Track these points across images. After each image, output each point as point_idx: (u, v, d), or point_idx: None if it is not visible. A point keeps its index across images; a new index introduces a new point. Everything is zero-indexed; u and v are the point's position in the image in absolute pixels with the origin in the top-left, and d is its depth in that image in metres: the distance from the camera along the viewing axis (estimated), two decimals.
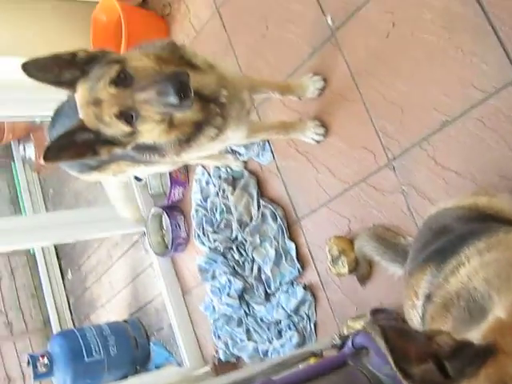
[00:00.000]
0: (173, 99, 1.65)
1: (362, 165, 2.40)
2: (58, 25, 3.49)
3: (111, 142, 1.80)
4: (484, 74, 1.96)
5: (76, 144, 1.76)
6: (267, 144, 2.84)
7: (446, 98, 2.07)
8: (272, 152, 2.83)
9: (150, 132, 1.82)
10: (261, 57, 2.83)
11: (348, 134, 2.45)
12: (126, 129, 1.76)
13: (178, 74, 1.71)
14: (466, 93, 2.01)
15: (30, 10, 3.36)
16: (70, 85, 1.75)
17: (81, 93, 1.75)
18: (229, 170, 3.09)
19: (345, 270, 2.44)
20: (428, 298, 1.27)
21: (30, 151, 5.45)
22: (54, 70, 1.72)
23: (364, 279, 2.42)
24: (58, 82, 1.74)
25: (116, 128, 1.76)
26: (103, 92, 1.70)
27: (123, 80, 1.71)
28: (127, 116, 1.73)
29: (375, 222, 2.37)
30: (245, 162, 3.02)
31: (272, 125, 2.59)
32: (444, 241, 1.38)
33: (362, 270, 2.41)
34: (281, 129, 2.52)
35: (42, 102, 3.40)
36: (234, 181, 3.05)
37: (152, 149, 1.97)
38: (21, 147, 5.62)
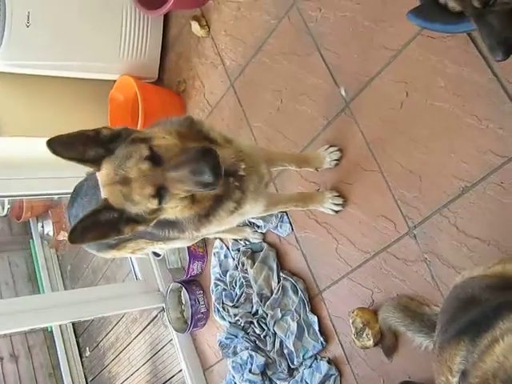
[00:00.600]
0: (208, 178, 1.66)
1: (382, 234, 2.37)
2: (76, 104, 3.57)
3: (134, 220, 1.79)
4: (501, 139, 1.96)
5: (100, 224, 1.74)
6: (285, 216, 2.83)
7: (464, 165, 2.06)
8: (291, 223, 2.82)
9: (174, 208, 1.82)
10: (276, 130, 2.86)
11: (367, 204, 2.44)
12: (154, 206, 1.75)
13: (207, 152, 1.71)
14: (484, 158, 2.00)
15: (49, 92, 3.44)
16: (94, 162, 1.75)
17: (106, 172, 1.75)
18: (247, 242, 3.07)
19: (370, 342, 2.38)
20: (463, 374, 1.22)
21: (48, 228, 5.50)
22: (78, 147, 1.72)
23: (390, 351, 2.35)
24: (82, 160, 1.73)
25: (143, 206, 1.75)
26: (133, 171, 1.69)
27: (152, 159, 1.71)
28: (159, 194, 1.73)
29: (399, 291, 2.33)
30: (263, 235, 3.01)
31: (290, 197, 2.59)
32: (477, 313, 1.34)
33: (388, 342, 2.34)
34: (299, 201, 2.51)
35: (61, 179, 3.46)
36: (253, 254, 3.03)
37: (172, 225, 1.96)
38: (39, 224, 5.68)
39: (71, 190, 2.54)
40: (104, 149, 1.75)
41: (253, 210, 2.16)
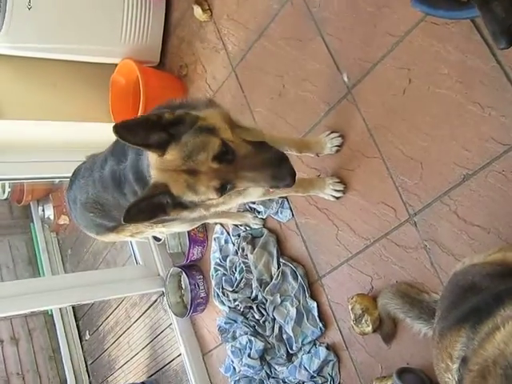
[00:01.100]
0: (288, 182, 1.77)
1: (382, 221, 2.37)
2: (77, 88, 3.56)
3: (183, 205, 1.82)
4: (503, 126, 1.95)
5: (153, 206, 1.77)
6: (286, 202, 2.83)
7: (465, 152, 2.06)
8: (291, 209, 2.82)
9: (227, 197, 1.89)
10: (278, 115, 2.85)
11: (367, 190, 2.43)
12: (214, 197, 1.79)
13: (283, 156, 1.81)
14: (485, 146, 2.00)
15: (50, 75, 3.43)
16: (158, 147, 1.76)
17: (172, 158, 1.75)
18: (248, 228, 3.07)
19: (369, 328, 2.39)
20: (464, 361, 1.22)
21: (49, 212, 5.51)
22: (141, 132, 1.73)
23: (389, 338, 2.36)
24: (146, 145, 1.75)
25: (205, 197, 1.78)
26: (204, 165, 1.72)
27: (224, 154, 1.74)
28: (224, 188, 1.77)
29: (398, 278, 2.33)
30: (264, 220, 3.01)
31: None
32: (477, 300, 1.34)
33: (387, 329, 2.35)
34: (299, 186, 2.51)
35: (61, 163, 3.46)
36: (253, 239, 3.03)
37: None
38: (40, 208, 5.69)
39: (71, 174, 2.55)
40: (166, 133, 1.77)
41: (254, 192, 2.17)
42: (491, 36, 1.40)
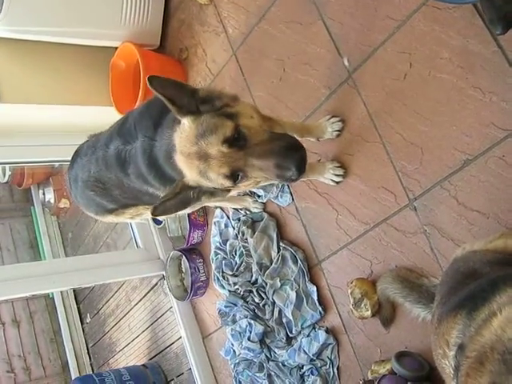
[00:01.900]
0: (292, 175, 1.70)
1: (382, 205, 2.38)
2: (77, 71, 3.55)
3: (205, 193, 1.85)
4: (504, 112, 1.95)
5: (179, 202, 1.81)
6: (286, 186, 2.83)
7: (466, 137, 2.06)
8: (291, 194, 2.82)
9: (246, 186, 1.91)
10: (278, 99, 2.84)
11: (368, 175, 2.43)
12: (228, 185, 1.78)
13: (297, 147, 1.75)
14: (486, 131, 1.99)
15: (50, 59, 3.42)
16: (181, 109, 1.76)
17: (186, 134, 1.77)
18: (248, 212, 3.08)
19: (368, 312, 2.40)
20: (460, 348, 1.23)
21: (50, 195, 5.52)
22: (172, 91, 1.74)
23: (387, 322, 2.37)
24: (172, 101, 1.74)
25: (216, 184, 1.78)
26: (214, 149, 1.71)
27: (237, 140, 1.72)
28: (234, 175, 1.75)
29: (397, 263, 2.34)
30: (264, 204, 3.01)
31: None
32: (474, 287, 1.34)
33: (385, 313, 2.36)
34: None
35: (62, 146, 3.46)
36: (253, 223, 3.03)
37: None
38: (40, 191, 5.69)
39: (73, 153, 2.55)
40: (195, 106, 1.77)
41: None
42: (488, 22, 1.43)
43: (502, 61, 1.94)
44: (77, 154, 2.49)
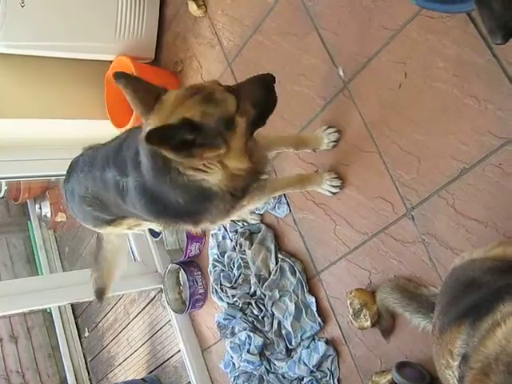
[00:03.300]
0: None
1: (380, 215, 2.37)
2: (72, 85, 3.55)
3: (207, 145, 1.77)
4: (500, 120, 1.95)
5: (176, 139, 1.70)
6: (283, 197, 2.82)
7: (462, 146, 2.05)
8: (288, 205, 2.81)
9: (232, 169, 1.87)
10: (275, 111, 2.83)
11: (365, 185, 2.43)
12: (233, 109, 1.80)
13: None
14: (482, 140, 1.99)
15: (45, 73, 3.42)
16: (147, 106, 1.81)
17: (174, 95, 1.82)
18: (245, 224, 3.07)
19: (367, 323, 2.39)
20: (464, 358, 1.22)
21: (46, 209, 5.51)
22: (139, 88, 1.81)
23: (387, 332, 2.37)
24: (136, 97, 1.80)
25: (224, 109, 1.79)
26: (209, 86, 1.87)
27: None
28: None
29: (396, 273, 2.33)
30: (261, 216, 3.01)
31: (289, 180, 2.58)
32: (477, 296, 1.33)
33: (385, 323, 2.35)
34: (297, 183, 2.51)
35: (57, 161, 3.45)
36: (251, 235, 3.03)
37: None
38: (37, 206, 5.68)
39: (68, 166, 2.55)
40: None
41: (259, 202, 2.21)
42: (487, 31, 1.38)
43: (497, 69, 1.94)
44: (72, 168, 2.48)
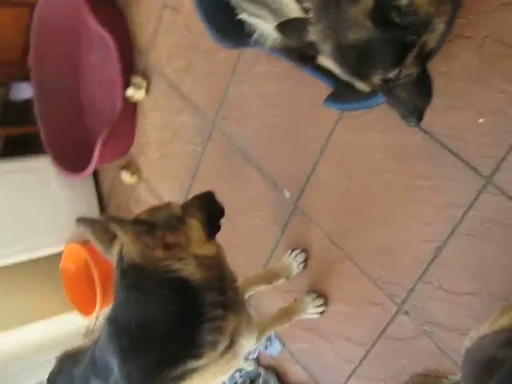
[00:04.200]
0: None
1: (373, 320, 2.29)
2: (28, 288, 3.51)
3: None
4: (453, 189, 1.94)
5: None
6: (273, 334, 2.72)
7: (428, 227, 2.03)
8: (279, 339, 2.70)
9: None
10: (235, 250, 2.77)
11: (348, 295, 2.37)
12: None
13: None
14: (445, 214, 1.97)
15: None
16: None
17: None
18: (242, 372, 2.92)
19: None
20: None
21: None
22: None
23: None
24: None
25: None
26: None
27: None
28: None
29: (410, 372, 2.21)
30: (257, 359, 2.88)
31: (273, 318, 2.45)
32: (504, 373, 1.25)
33: None
34: (283, 317, 2.41)
35: (33, 368, 3.30)
36: (252, 382, 2.88)
37: None
38: None
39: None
40: None
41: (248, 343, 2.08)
42: (401, 117, 1.50)
43: (432, 143, 1.95)
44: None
